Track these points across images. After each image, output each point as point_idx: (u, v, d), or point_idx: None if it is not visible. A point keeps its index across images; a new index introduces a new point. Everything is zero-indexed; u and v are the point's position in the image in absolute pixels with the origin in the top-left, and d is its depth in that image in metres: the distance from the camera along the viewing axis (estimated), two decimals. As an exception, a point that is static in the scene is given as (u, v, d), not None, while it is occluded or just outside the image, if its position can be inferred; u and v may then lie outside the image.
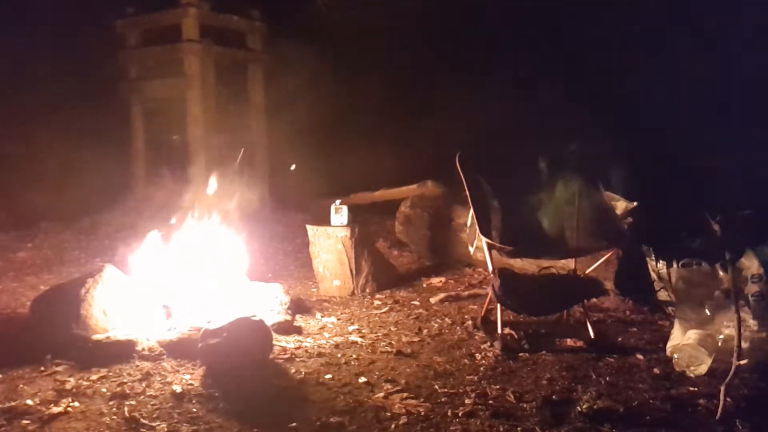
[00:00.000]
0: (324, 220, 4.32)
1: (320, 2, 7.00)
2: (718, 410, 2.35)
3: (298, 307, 3.82)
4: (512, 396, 2.53)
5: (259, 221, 5.83)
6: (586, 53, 6.27)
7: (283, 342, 3.19)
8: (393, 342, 3.24)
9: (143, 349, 3.00)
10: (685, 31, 5.86)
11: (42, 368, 2.83)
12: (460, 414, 2.38)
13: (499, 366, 2.89)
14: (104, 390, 2.60)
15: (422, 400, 2.50)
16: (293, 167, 5.93)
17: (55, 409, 2.41)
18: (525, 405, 2.46)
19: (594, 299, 3.68)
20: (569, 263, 3.46)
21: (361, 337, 3.33)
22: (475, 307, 3.84)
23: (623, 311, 3.69)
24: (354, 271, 4.22)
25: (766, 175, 4.51)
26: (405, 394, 2.54)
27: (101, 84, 6.43)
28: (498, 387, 2.63)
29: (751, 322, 2.80)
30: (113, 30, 6.52)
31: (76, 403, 2.48)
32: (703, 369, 2.75)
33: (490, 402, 2.48)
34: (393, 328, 3.48)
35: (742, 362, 2.46)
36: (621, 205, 3.82)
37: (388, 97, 7.12)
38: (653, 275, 3.51)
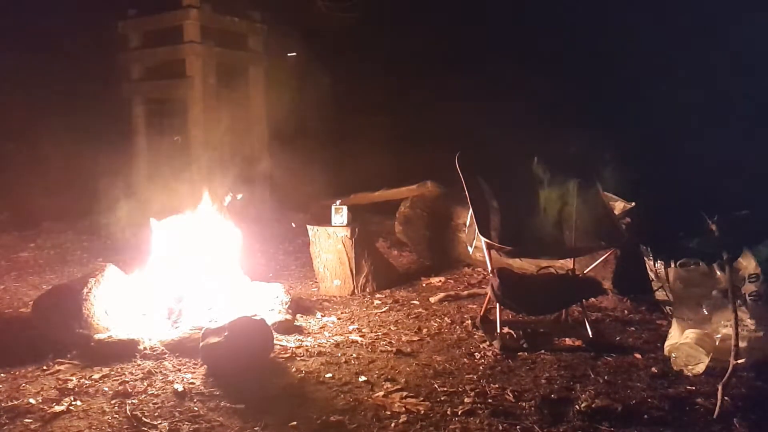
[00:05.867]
0: (324, 220, 4.34)
1: (320, 3, 7.01)
2: (715, 409, 2.37)
3: (299, 306, 3.84)
4: (511, 395, 2.54)
5: (259, 221, 5.85)
6: (587, 52, 6.29)
7: (283, 341, 3.21)
8: (393, 341, 3.25)
9: (145, 349, 3.02)
10: (685, 30, 5.87)
11: (44, 367, 2.86)
12: (459, 413, 2.39)
13: (498, 365, 2.91)
14: (106, 389, 2.63)
15: (422, 398, 2.52)
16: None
17: (58, 408, 2.43)
18: (524, 404, 2.47)
19: (592, 299, 3.70)
20: (568, 263, 3.47)
21: (361, 336, 3.34)
22: (475, 306, 3.86)
23: (621, 311, 3.71)
24: (354, 271, 4.24)
25: (764, 175, 4.53)
26: (405, 393, 2.56)
27: (103, 85, 6.45)
28: (497, 386, 2.65)
29: (749, 322, 2.81)
30: (115, 31, 6.54)
31: (78, 402, 2.50)
32: (700, 368, 2.76)
33: (489, 401, 2.50)
34: (393, 328, 3.50)
35: (740, 361, 2.47)
36: (619, 206, 3.84)
37: (389, 97, 7.14)
38: (651, 275, 3.53)
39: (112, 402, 2.50)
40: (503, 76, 6.08)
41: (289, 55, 6.00)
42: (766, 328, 2.80)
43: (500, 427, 2.28)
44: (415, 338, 3.31)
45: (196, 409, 2.44)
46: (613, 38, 5.89)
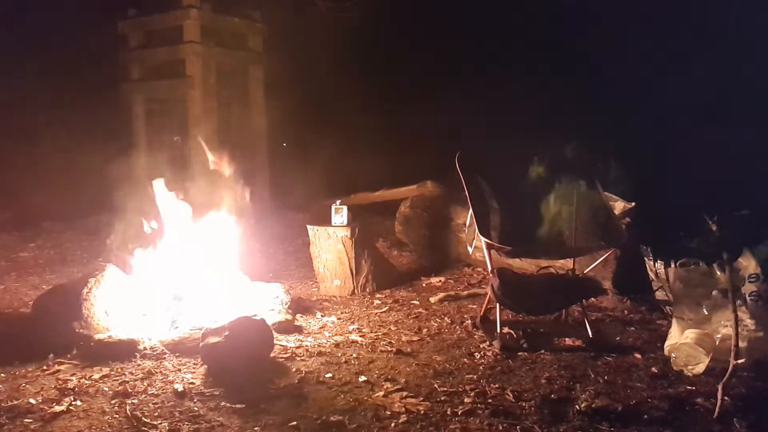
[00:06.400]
0: (324, 220, 4.35)
1: (320, 3, 7.02)
2: (715, 409, 2.36)
3: (299, 306, 3.84)
4: (511, 395, 2.54)
5: (259, 221, 5.85)
6: (586, 52, 6.29)
7: (283, 341, 3.21)
8: (393, 341, 3.26)
9: (145, 348, 3.02)
10: (685, 29, 5.87)
11: (44, 367, 2.86)
12: (459, 413, 2.39)
13: (498, 365, 2.91)
14: (106, 389, 2.63)
15: (422, 398, 2.52)
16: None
17: (58, 408, 2.44)
18: (524, 404, 2.47)
19: (592, 299, 3.70)
20: (568, 263, 3.47)
21: (361, 336, 3.35)
22: (475, 306, 3.86)
23: (621, 311, 3.71)
24: (354, 271, 4.24)
25: (764, 175, 4.53)
26: (405, 393, 2.56)
27: (103, 85, 6.45)
28: (497, 386, 2.65)
29: (749, 322, 2.81)
30: (115, 31, 6.54)
31: (79, 402, 2.50)
32: (700, 368, 2.76)
33: (489, 401, 2.50)
34: (393, 328, 3.50)
35: (740, 361, 2.47)
36: (619, 205, 3.84)
37: (389, 98, 7.14)
38: (651, 275, 3.53)
39: (112, 402, 2.50)
40: (503, 76, 6.09)
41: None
42: (766, 328, 2.80)
43: (500, 427, 2.28)
44: (415, 338, 3.31)
45: (196, 409, 2.44)
46: (613, 37, 5.89)
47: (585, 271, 3.39)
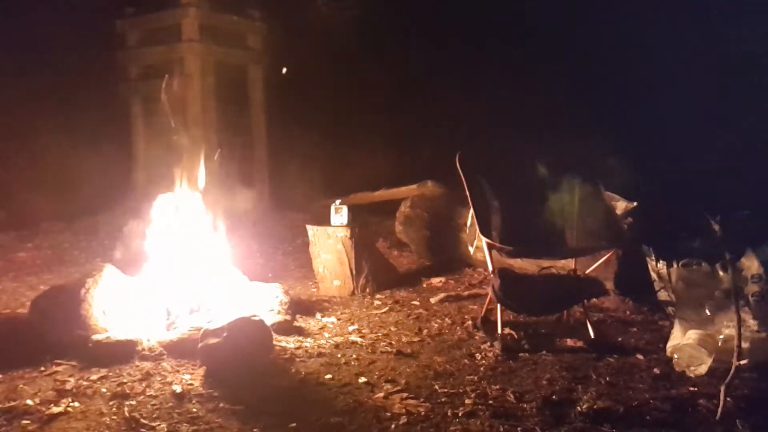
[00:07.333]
0: (324, 220, 4.33)
1: (320, 2, 7.00)
2: (718, 410, 2.35)
3: (298, 307, 3.82)
4: (512, 396, 2.53)
5: (258, 221, 5.83)
6: (587, 51, 6.28)
7: (283, 342, 3.19)
8: (393, 342, 3.24)
9: (143, 349, 3.00)
10: (687, 29, 5.86)
11: (42, 368, 2.84)
12: (460, 414, 2.38)
13: (499, 366, 2.89)
14: (104, 390, 2.61)
15: (422, 400, 2.50)
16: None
17: (55, 409, 2.42)
18: (525, 405, 2.46)
19: (594, 299, 3.68)
20: (569, 263, 3.46)
21: (361, 337, 3.33)
22: (475, 307, 3.84)
23: (623, 311, 3.69)
24: (354, 271, 4.22)
25: (766, 175, 4.52)
26: (405, 394, 2.54)
27: (101, 84, 6.44)
28: (498, 387, 2.63)
29: (752, 322, 2.80)
30: (113, 30, 6.52)
31: (76, 403, 2.48)
32: (703, 369, 2.74)
33: (490, 402, 2.48)
34: (393, 328, 3.48)
35: (743, 362, 2.46)
36: (621, 205, 3.83)
37: (388, 97, 7.13)
38: (653, 275, 3.52)
39: (110, 403, 2.48)
40: (505, 75, 6.07)
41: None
42: (768, 328, 2.79)
43: (501, 429, 2.27)
44: (416, 339, 3.29)
45: (194, 410, 2.43)
46: (614, 38, 5.87)
47: (587, 272, 3.37)
